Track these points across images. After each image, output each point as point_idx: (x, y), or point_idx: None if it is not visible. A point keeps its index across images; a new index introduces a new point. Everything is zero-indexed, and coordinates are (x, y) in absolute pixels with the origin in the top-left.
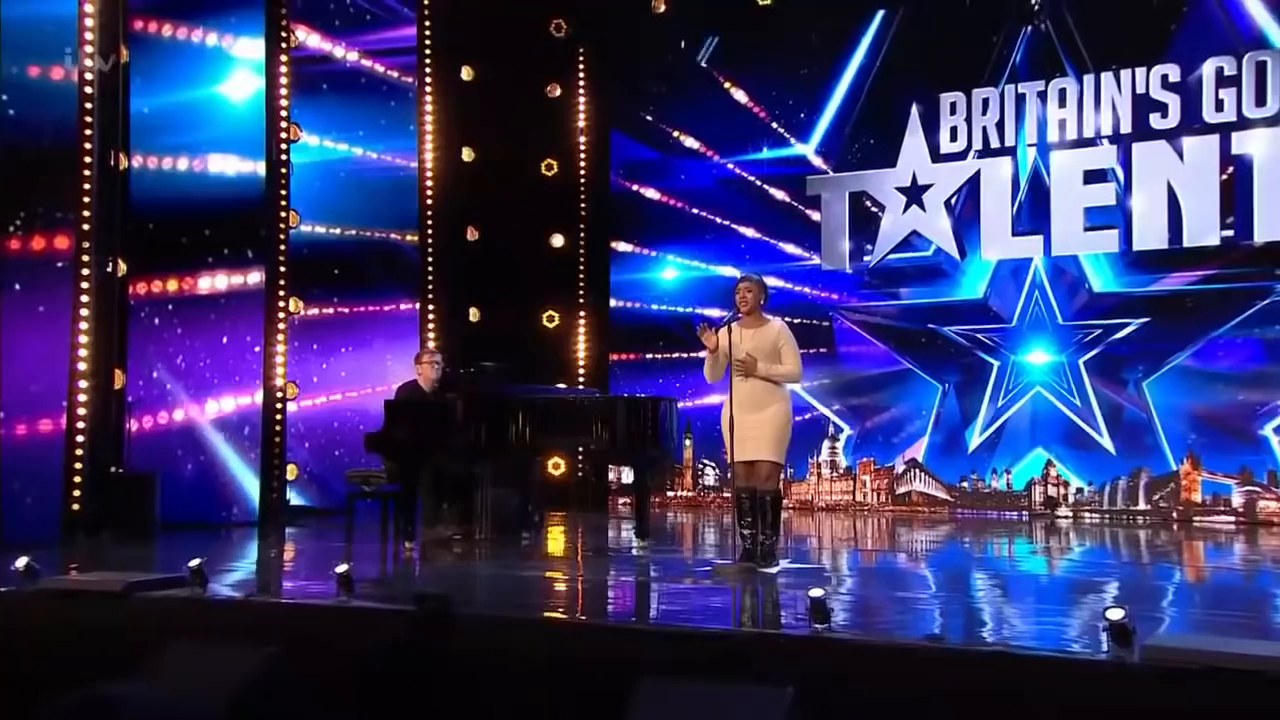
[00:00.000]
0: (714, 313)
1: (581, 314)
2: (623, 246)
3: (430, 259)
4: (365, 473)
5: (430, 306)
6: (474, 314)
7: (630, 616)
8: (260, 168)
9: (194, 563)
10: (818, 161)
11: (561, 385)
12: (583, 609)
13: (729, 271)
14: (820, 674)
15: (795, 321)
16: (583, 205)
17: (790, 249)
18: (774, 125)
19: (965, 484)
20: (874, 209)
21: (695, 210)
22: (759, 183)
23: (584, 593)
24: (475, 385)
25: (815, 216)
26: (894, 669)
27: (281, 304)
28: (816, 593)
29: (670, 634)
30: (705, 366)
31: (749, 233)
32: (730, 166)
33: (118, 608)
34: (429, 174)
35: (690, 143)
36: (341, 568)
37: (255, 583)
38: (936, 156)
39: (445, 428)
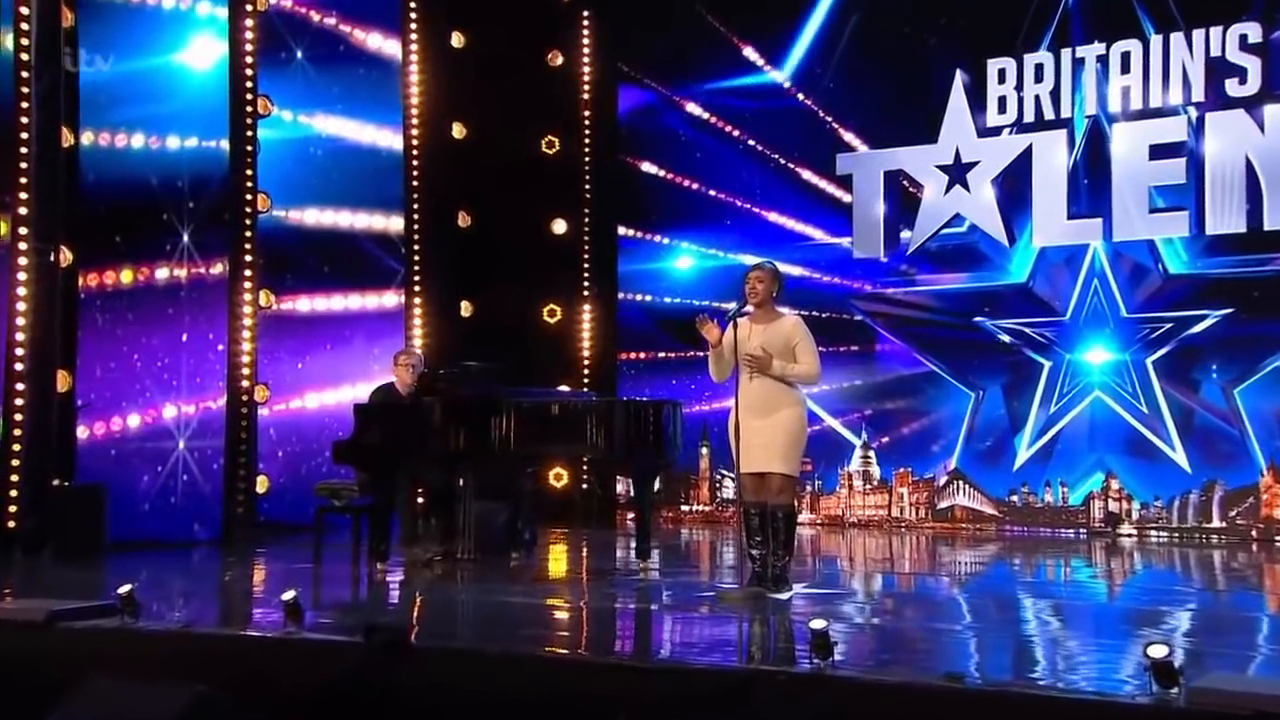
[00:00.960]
0: (734, 307)
1: (586, 308)
2: (632, 233)
3: (417, 247)
4: (335, 485)
5: (417, 300)
6: (466, 308)
7: (612, 649)
8: (225, 145)
9: (124, 589)
10: (849, 137)
11: (565, 388)
12: (561, 640)
13: (752, 260)
14: (821, 715)
15: (824, 316)
16: (587, 187)
17: (819, 234)
18: (800, 96)
19: (1014, 498)
20: (912, 189)
21: (713, 192)
22: (784, 161)
23: (566, 622)
24: (456, 387)
25: (846, 198)
26: (903, 710)
27: (249, 297)
28: (818, 624)
29: (654, 670)
30: (709, 364)
31: (773, 216)
32: (753, 144)
33: (39, 639)
34: (415, 152)
35: (708, 117)
36: (288, 594)
37: (197, 611)
38: (983, 130)
39: (422, 434)
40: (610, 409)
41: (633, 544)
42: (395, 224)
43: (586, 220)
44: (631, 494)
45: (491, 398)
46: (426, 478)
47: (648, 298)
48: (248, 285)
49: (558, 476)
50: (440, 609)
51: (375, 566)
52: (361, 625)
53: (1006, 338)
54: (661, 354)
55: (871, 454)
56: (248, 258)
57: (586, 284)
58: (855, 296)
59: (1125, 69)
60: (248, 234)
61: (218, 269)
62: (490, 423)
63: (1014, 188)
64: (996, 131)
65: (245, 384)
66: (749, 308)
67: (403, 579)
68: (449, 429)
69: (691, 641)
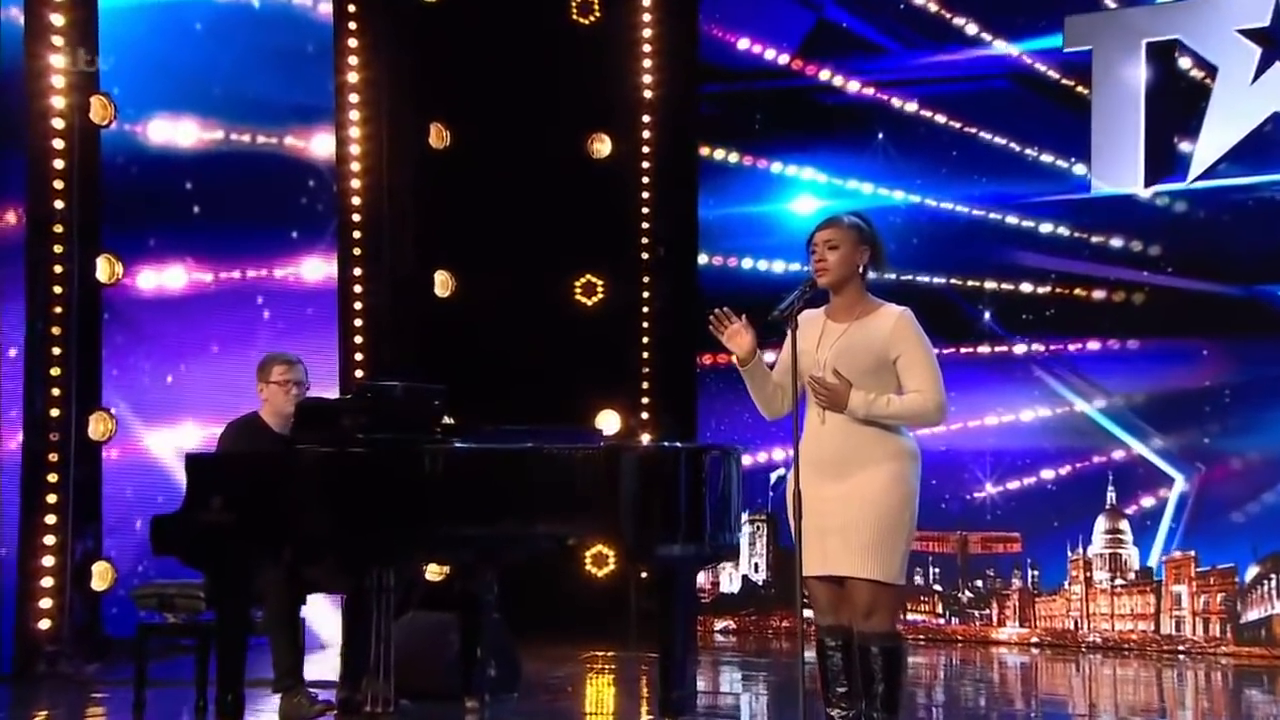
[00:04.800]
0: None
1: (645, 280)
2: (721, 155)
3: (360, 182)
4: (169, 589)
5: (359, 270)
6: (443, 283)
7: None
8: (19, 13)
9: None
10: None
11: (611, 417)
12: None
13: (914, 200)
14: None
15: (1040, 291)
16: (648, 80)
17: (1033, 155)
18: None
19: None
20: (1198, 73)
21: (853, 85)
22: (975, 30)
23: None
24: (357, 425)
25: (1082, 91)
26: None
27: (64, 268)
28: None
29: None
30: (750, 391)
31: (952, 125)
32: (922, 2)
33: None
34: (356, 25)
35: None
36: None
37: None
38: None
39: (295, 506)
40: (614, 463)
41: (724, 669)
42: (325, 144)
43: (646, 136)
44: (722, 590)
45: (412, 445)
46: (311, 579)
47: (745, 262)
48: (58, 249)
49: (599, 561)
50: None
51: None
52: None
53: None
54: (770, 355)
55: (1125, 527)
56: (59, 203)
57: (645, 241)
58: (1097, 258)
59: None
60: (59, 163)
61: (9, 220)
62: (409, 487)
63: None
64: None
65: (58, 412)
66: (812, 290)
67: None
68: (338, 499)
69: None
